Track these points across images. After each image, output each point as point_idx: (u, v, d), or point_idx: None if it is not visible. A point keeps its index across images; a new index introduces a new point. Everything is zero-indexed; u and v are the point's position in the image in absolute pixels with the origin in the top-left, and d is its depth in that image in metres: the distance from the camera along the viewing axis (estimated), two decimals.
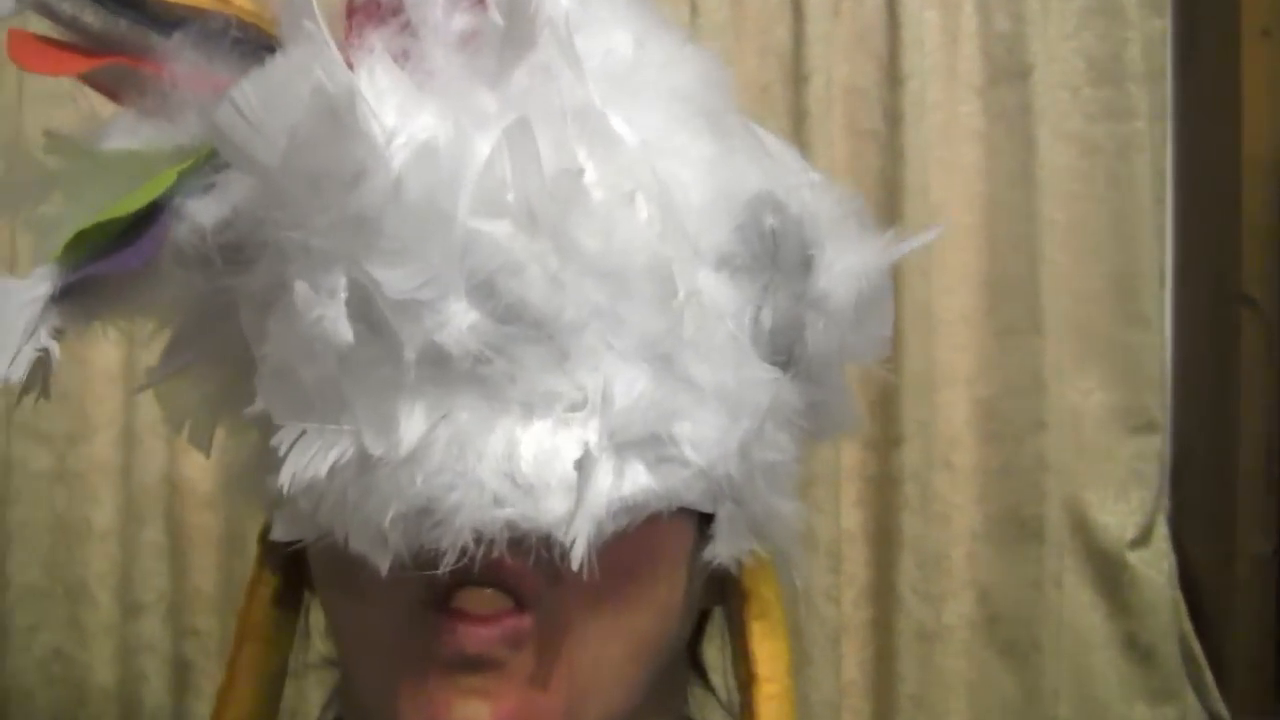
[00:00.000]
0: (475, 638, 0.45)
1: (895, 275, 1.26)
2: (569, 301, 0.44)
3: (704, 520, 0.49)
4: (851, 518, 1.15)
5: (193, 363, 0.51)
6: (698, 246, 0.48)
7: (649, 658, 0.49)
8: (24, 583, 1.11)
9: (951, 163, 1.17)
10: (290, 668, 0.57)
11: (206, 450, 0.56)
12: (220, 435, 0.56)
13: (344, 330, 0.41)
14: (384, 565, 0.43)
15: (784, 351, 0.50)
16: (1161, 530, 1.18)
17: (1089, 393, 1.18)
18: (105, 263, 0.43)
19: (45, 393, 0.44)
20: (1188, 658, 1.17)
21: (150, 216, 0.43)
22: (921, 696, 1.14)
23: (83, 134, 0.47)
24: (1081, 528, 1.18)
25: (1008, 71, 1.17)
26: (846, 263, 0.51)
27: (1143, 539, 1.17)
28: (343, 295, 0.41)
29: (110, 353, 1.11)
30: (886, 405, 1.14)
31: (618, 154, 0.46)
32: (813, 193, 0.52)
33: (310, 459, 0.43)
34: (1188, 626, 1.18)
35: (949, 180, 1.17)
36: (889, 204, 1.14)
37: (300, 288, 0.41)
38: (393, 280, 0.41)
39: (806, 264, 0.50)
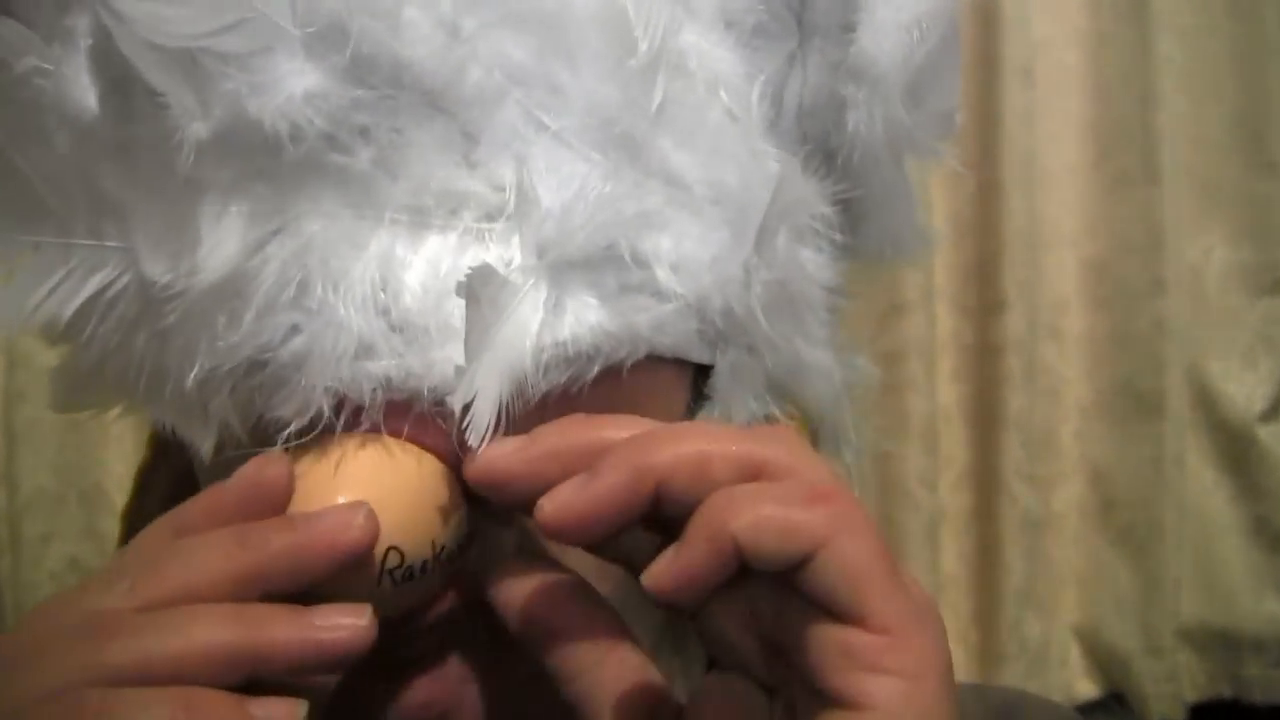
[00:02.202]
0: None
1: (992, 124, 1.12)
2: (473, 59, 0.32)
3: (702, 374, 0.37)
4: (948, 393, 1.08)
5: None
6: None
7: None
8: (33, 487, 1.04)
9: None
10: None
11: None
12: None
13: (83, 95, 0.29)
14: (203, 444, 0.32)
15: (817, 141, 0.39)
16: None
17: (1211, 249, 1.12)
18: None
19: None
20: None
21: None
22: (1028, 590, 1.07)
23: None
24: (1204, 400, 1.11)
25: None
26: (893, 12, 0.38)
27: (1273, 411, 1.11)
28: (85, 42, 0.29)
29: None
30: (985, 267, 1.06)
31: None
32: None
33: (51, 289, 0.31)
34: None
35: (1052, 13, 1.08)
36: (985, 41, 1.05)
37: (7, 28, 0.29)
38: (162, 20, 0.29)
39: (848, 22, 0.38)
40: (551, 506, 0.30)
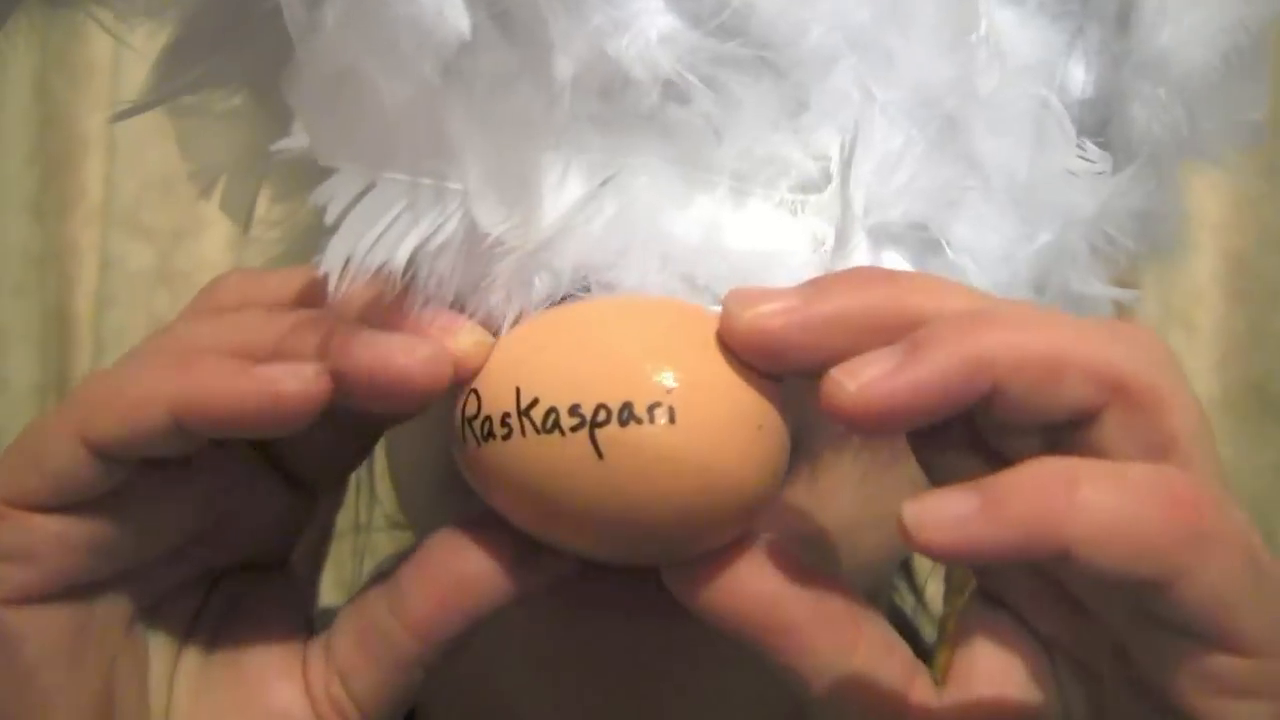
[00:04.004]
0: None
1: None
2: (816, 17, 0.29)
3: None
4: None
5: (209, 80, 0.35)
6: None
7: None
8: None
9: None
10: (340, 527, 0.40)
11: (244, 222, 0.40)
12: (264, 205, 0.41)
13: (457, 17, 0.25)
14: None
15: (1092, 133, 0.35)
16: None
17: None
18: None
19: None
20: None
21: None
22: None
23: None
24: None
25: None
26: (1206, 12, 0.35)
27: None
28: None
29: None
30: None
31: None
32: None
33: (383, 231, 0.28)
34: None
35: None
36: None
37: None
38: None
39: (1122, 12, 0.35)
40: (856, 386, 0.24)
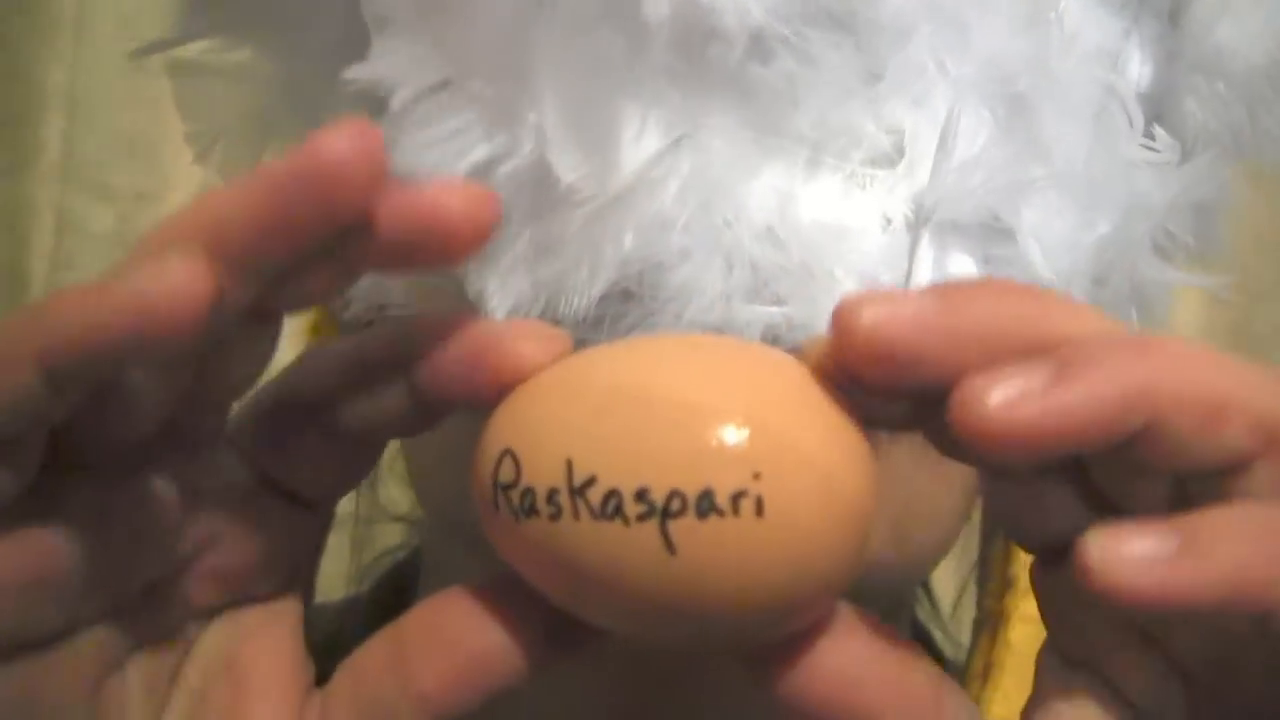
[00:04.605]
0: None
1: None
2: None
3: None
4: None
5: (223, 31, 0.34)
6: None
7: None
8: None
9: None
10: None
11: None
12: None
13: None
14: None
15: (1143, 127, 0.35)
16: None
17: None
18: None
19: None
20: None
21: None
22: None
23: None
24: None
25: None
26: (1268, 10, 0.35)
27: None
28: None
29: None
30: None
31: None
32: None
33: (449, 135, 0.26)
34: None
35: None
36: None
37: None
38: None
39: (1175, 9, 0.35)
40: (1002, 400, 0.20)
